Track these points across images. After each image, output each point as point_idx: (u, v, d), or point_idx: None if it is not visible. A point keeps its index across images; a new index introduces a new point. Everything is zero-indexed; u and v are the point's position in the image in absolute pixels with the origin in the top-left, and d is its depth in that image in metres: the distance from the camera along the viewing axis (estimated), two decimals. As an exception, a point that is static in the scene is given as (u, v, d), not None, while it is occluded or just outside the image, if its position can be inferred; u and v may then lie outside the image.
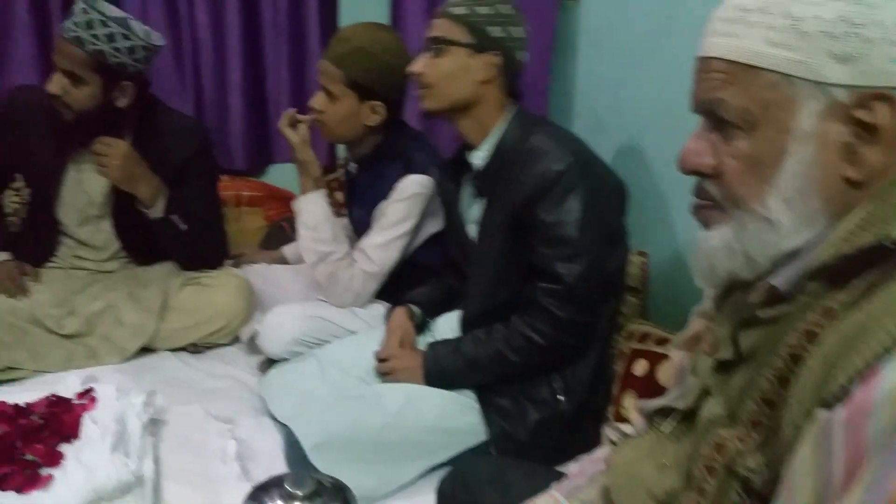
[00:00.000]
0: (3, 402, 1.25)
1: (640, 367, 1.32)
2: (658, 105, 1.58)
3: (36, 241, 1.90)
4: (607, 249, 1.43)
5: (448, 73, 1.45)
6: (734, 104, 0.65)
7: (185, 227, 1.81)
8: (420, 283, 1.74)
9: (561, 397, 1.43)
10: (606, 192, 1.44)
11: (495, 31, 1.45)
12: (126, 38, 1.67)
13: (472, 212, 1.58)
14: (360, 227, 1.89)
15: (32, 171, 1.84)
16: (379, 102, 1.71)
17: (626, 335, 1.40)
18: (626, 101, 1.75)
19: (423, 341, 1.61)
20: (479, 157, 1.51)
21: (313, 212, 1.75)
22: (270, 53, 2.70)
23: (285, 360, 1.69)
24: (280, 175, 2.65)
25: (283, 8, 2.63)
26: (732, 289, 0.75)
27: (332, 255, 1.73)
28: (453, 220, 1.64)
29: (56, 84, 1.66)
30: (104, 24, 1.64)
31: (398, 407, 1.42)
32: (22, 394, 1.33)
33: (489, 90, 1.47)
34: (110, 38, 1.65)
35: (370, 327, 1.73)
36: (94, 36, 1.64)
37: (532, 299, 1.41)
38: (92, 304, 1.81)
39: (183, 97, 2.63)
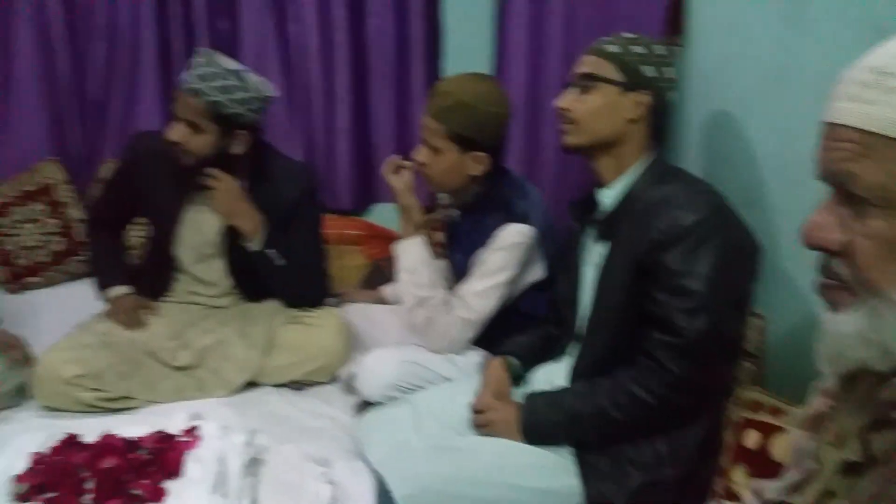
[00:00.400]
0: (115, 436, 1.32)
1: (751, 439, 1.23)
2: (776, 157, 1.50)
3: (155, 277, 2.02)
4: (733, 313, 1.35)
5: (596, 110, 1.44)
6: (868, 179, 0.59)
7: (282, 263, 1.87)
8: (519, 331, 1.71)
9: (666, 463, 1.36)
10: (742, 253, 1.36)
11: (648, 71, 1.43)
12: (241, 89, 1.75)
13: (592, 255, 1.53)
14: (459, 272, 1.89)
15: (154, 212, 1.97)
16: (482, 153, 1.71)
17: (739, 403, 1.31)
18: (739, 150, 1.67)
19: (519, 394, 1.58)
20: (608, 197, 1.48)
21: (413, 256, 1.77)
22: (376, 100, 2.79)
23: (381, 403, 1.70)
24: (383, 214, 2.70)
25: (389, 57, 2.72)
26: (860, 374, 0.69)
27: (429, 299, 1.74)
28: (569, 262, 1.60)
29: (175, 132, 1.76)
30: (221, 77, 1.73)
31: (491, 463, 1.39)
32: (132, 426, 1.40)
33: (635, 130, 1.45)
34: (226, 89, 1.74)
35: (466, 375, 1.72)
36: (212, 87, 1.73)
37: (643, 352, 1.35)
38: (203, 339, 1.89)
39: (294, 140, 2.75)
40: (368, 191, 2.82)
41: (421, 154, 1.75)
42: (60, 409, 1.72)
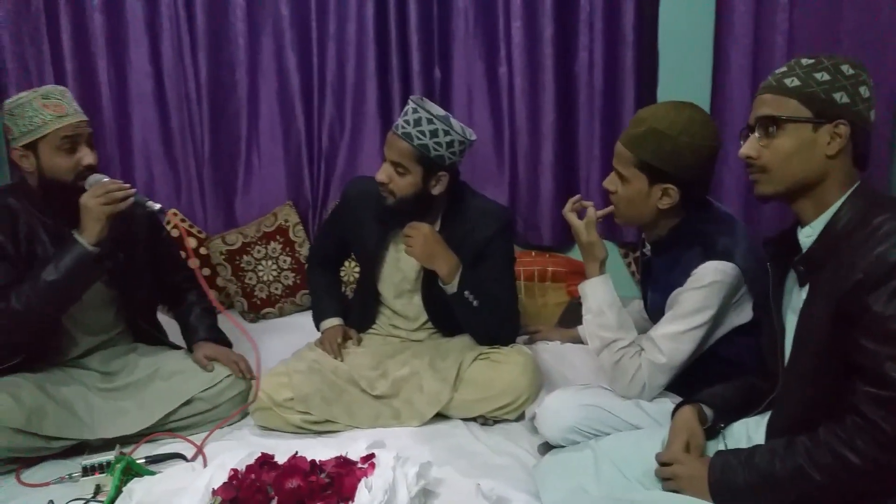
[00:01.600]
0: (302, 458, 1.41)
1: None
2: None
3: (362, 310, 2.17)
4: None
5: (787, 154, 1.26)
6: None
7: (477, 304, 1.90)
8: (718, 380, 1.55)
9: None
10: None
11: (840, 98, 1.23)
12: (447, 133, 1.83)
13: (794, 299, 1.36)
14: (653, 312, 1.78)
15: (361, 250, 2.12)
16: (672, 185, 1.60)
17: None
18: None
19: (713, 447, 1.43)
20: (808, 236, 1.30)
21: (598, 296, 1.70)
22: (583, 134, 2.76)
23: (562, 445, 1.64)
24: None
25: (598, 90, 2.68)
26: None
27: (616, 342, 1.65)
28: (769, 308, 1.43)
29: (384, 173, 1.89)
30: (430, 122, 1.82)
31: (673, 522, 1.26)
32: (322, 449, 1.49)
33: (837, 163, 1.25)
34: (434, 133, 1.83)
35: (656, 424, 1.60)
36: (421, 132, 1.83)
37: (849, 407, 1.16)
38: (400, 370, 1.97)
39: (499, 179, 2.82)
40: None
41: (610, 181, 1.69)
42: (272, 428, 1.90)
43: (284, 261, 2.85)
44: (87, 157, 1.80)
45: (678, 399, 1.61)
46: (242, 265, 2.82)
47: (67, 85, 2.77)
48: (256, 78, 2.85)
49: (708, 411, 1.48)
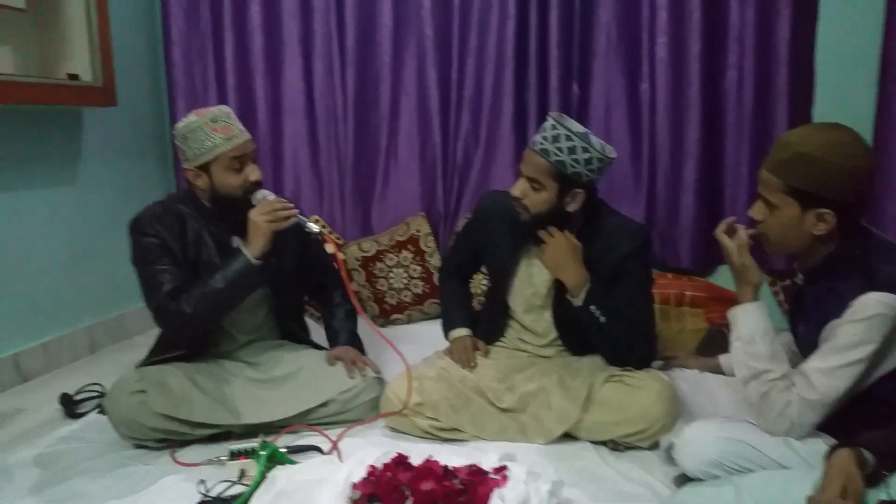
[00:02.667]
0: (436, 462, 1.44)
1: None
2: None
3: (490, 322, 2.18)
4: None
5: None
6: None
7: (604, 320, 1.87)
8: (875, 423, 1.43)
9: None
10: None
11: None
12: (585, 150, 1.82)
13: None
14: (804, 345, 1.67)
15: (492, 262, 2.14)
16: (827, 210, 1.50)
17: None
18: None
19: (873, 497, 1.32)
20: None
21: (750, 323, 1.61)
22: (730, 153, 2.66)
23: (701, 479, 1.57)
24: (728, 277, 2.54)
25: (747, 108, 2.58)
26: None
27: (767, 373, 1.56)
28: None
29: (519, 188, 1.90)
30: (568, 139, 1.82)
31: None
32: (452, 456, 1.51)
33: None
34: (572, 150, 1.82)
35: (806, 465, 1.49)
36: (559, 148, 1.82)
37: None
38: (528, 385, 1.96)
39: (636, 197, 2.76)
40: (714, 250, 2.66)
41: (756, 210, 1.61)
42: (401, 431, 1.95)
43: (415, 269, 2.92)
44: (253, 173, 1.93)
45: (832, 441, 1.50)
46: (375, 272, 2.91)
47: (228, 99, 3.00)
48: (398, 94, 2.95)
49: (868, 456, 1.36)
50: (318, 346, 2.23)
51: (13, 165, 2.45)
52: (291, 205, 1.92)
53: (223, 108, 1.96)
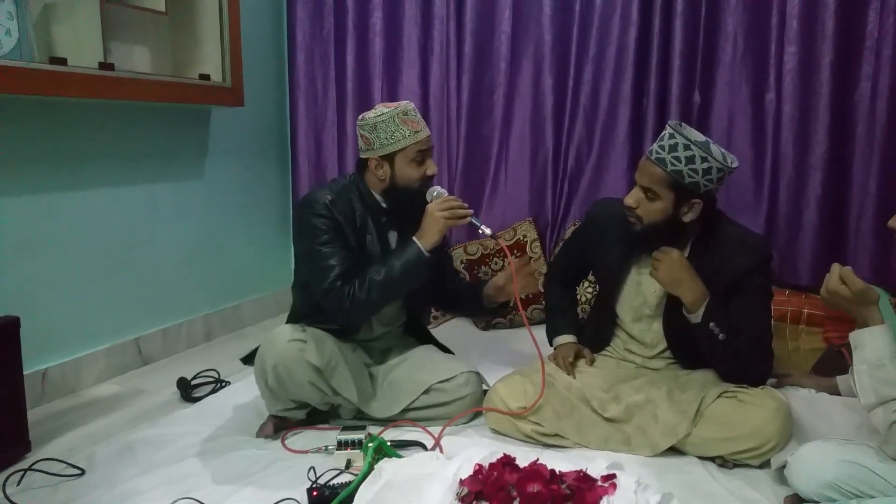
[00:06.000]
0: (543, 465, 1.44)
1: None
2: None
3: (597, 330, 2.16)
4: None
5: None
6: None
7: (722, 337, 1.81)
8: None
9: None
10: None
11: None
12: (704, 160, 1.77)
13: None
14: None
15: (601, 270, 2.12)
16: None
17: None
18: None
19: None
20: None
21: (878, 347, 1.51)
22: (858, 168, 2.53)
23: (816, 502, 1.50)
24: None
25: (880, 121, 2.46)
26: None
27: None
28: None
29: (633, 197, 1.87)
30: (686, 148, 1.77)
31: None
32: (558, 461, 1.51)
33: None
34: (690, 160, 1.77)
35: (936, 496, 1.40)
36: (676, 158, 1.78)
37: None
38: (634, 395, 1.93)
39: (756, 209, 2.67)
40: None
41: None
42: (503, 433, 1.96)
43: (520, 275, 2.92)
44: (431, 167, 2.00)
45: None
46: (480, 275, 2.94)
47: (346, 102, 3.11)
48: (513, 99, 2.98)
49: None
50: (440, 345, 2.26)
51: (148, 159, 2.64)
52: (467, 205, 1.96)
53: (409, 103, 2.00)
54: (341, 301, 1.91)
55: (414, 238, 1.93)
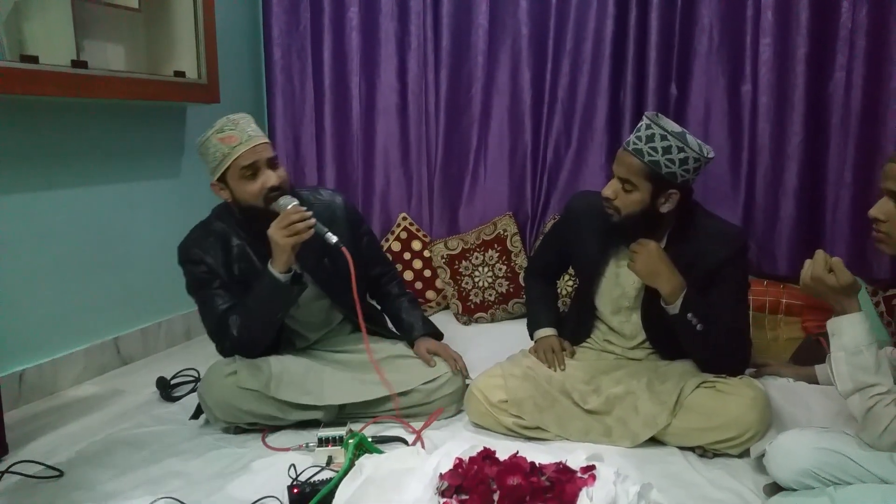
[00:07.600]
0: (523, 458, 1.44)
1: None
2: None
3: (577, 323, 2.16)
4: None
5: None
6: None
7: (700, 328, 1.82)
8: None
9: None
10: None
11: None
12: (681, 150, 1.78)
13: None
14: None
15: (580, 263, 2.13)
16: None
17: None
18: None
19: None
20: None
21: (857, 335, 1.52)
22: (833, 158, 2.56)
23: (793, 489, 1.52)
24: (828, 286, 2.43)
25: (855, 111, 2.48)
26: None
27: (873, 387, 1.48)
28: None
29: (610, 188, 1.87)
30: (663, 139, 1.78)
31: None
32: (537, 454, 1.51)
33: None
34: (667, 150, 1.78)
35: (910, 482, 1.42)
36: (653, 148, 1.79)
37: None
38: (614, 387, 1.94)
39: (733, 200, 2.69)
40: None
41: (879, 209, 1.53)
42: (484, 427, 1.96)
43: (500, 269, 2.93)
44: (269, 179, 1.87)
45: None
46: (461, 270, 2.94)
47: (324, 97, 3.09)
48: (491, 94, 2.97)
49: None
50: (394, 335, 2.25)
51: (124, 158, 2.61)
52: (309, 213, 1.85)
53: (234, 115, 1.91)
54: (222, 341, 1.95)
55: (269, 266, 1.86)
